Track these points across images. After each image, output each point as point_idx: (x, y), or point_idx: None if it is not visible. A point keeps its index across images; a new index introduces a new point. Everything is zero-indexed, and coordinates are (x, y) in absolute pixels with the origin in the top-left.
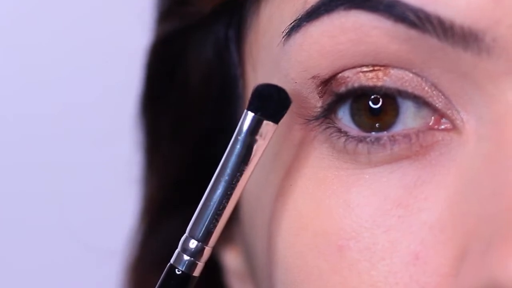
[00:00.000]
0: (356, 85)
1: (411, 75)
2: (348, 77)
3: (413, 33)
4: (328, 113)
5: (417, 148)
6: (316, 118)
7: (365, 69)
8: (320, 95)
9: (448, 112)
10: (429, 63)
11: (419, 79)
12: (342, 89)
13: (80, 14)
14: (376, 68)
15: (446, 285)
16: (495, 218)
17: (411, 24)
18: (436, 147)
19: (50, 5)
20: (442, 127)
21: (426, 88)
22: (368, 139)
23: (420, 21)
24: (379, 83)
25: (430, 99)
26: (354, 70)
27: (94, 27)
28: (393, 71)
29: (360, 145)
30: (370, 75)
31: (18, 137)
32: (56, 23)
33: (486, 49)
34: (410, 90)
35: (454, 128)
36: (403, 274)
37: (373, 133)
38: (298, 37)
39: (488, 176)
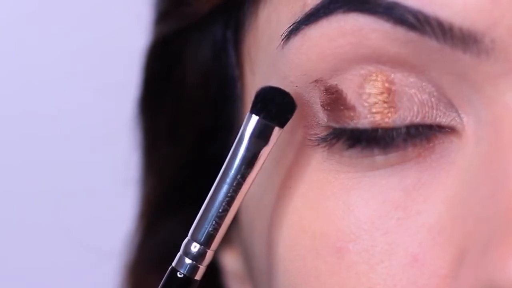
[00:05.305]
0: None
1: (412, 79)
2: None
3: (412, 35)
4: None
5: (419, 151)
6: (318, 124)
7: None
8: (321, 104)
9: (448, 115)
10: (429, 66)
11: (421, 83)
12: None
13: (79, 14)
14: (379, 78)
15: (444, 287)
16: (494, 220)
17: (411, 26)
18: (437, 149)
19: (50, 5)
20: (443, 129)
21: (428, 94)
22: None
23: (420, 23)
24: (386, 119)
25: (430, 104)
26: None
27: (93, 27)
28: (395, 76)
29: (363, 149)
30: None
31: (16, 137)
32: (55, 24)
33: (485, 50)
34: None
35: (454, 130)
36: (401, 277)
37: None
38: (297, 40)
39: (487, 177)
